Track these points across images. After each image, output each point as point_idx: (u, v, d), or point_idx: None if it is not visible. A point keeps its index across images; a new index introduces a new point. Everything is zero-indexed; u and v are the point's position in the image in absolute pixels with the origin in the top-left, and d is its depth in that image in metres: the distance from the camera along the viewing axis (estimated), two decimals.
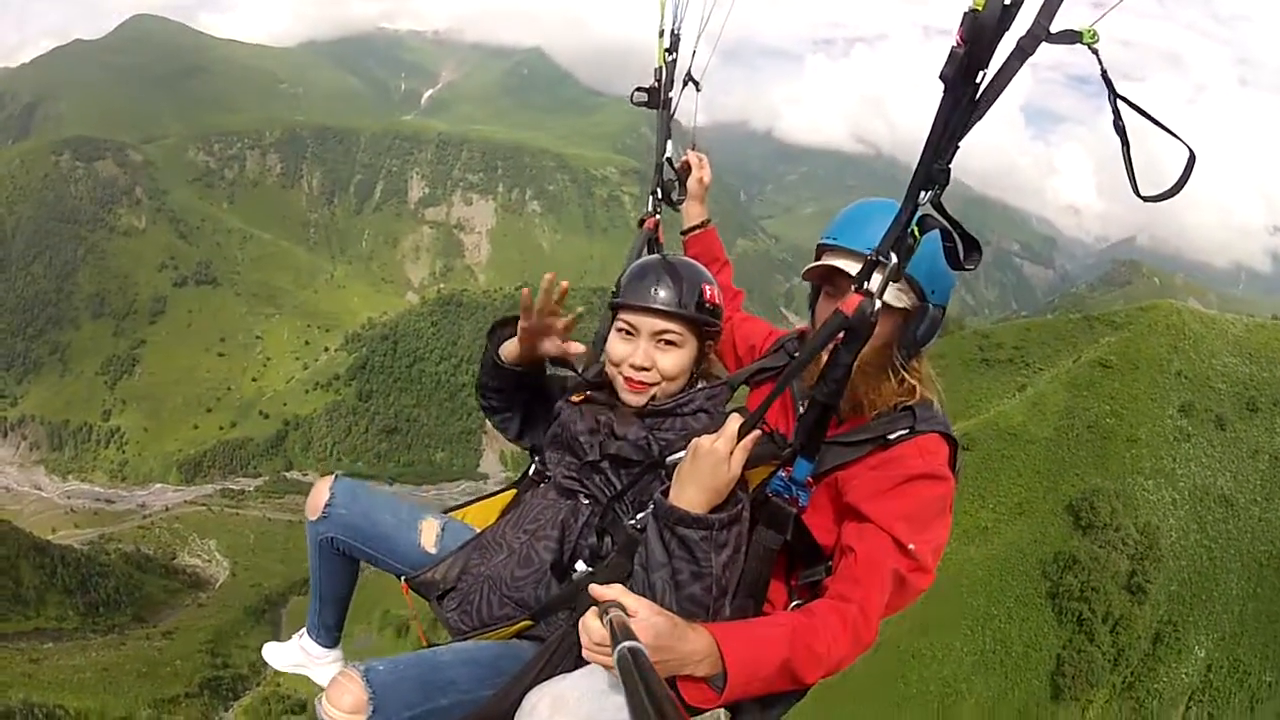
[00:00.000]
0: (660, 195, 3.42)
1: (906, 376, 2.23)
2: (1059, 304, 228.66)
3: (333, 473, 2.93)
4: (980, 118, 1.55)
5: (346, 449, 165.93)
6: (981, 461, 47.19)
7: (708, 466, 1.89)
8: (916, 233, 1.75)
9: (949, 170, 1.62)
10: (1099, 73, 1.55)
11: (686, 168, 3.43)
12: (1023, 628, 41.72)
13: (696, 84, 3.40)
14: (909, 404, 2.21)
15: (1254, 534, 45.40)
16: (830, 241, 2.32)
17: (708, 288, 2.40)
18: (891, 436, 2.15)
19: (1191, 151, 1.61)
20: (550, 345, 2.48)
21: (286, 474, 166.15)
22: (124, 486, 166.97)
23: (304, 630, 3.09)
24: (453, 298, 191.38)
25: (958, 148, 1.59)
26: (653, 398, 2.39)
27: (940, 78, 1.52)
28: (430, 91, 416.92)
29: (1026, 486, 46.57)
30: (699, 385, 2.46)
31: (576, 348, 2.50)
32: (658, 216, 3.38)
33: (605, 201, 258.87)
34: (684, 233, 3.49)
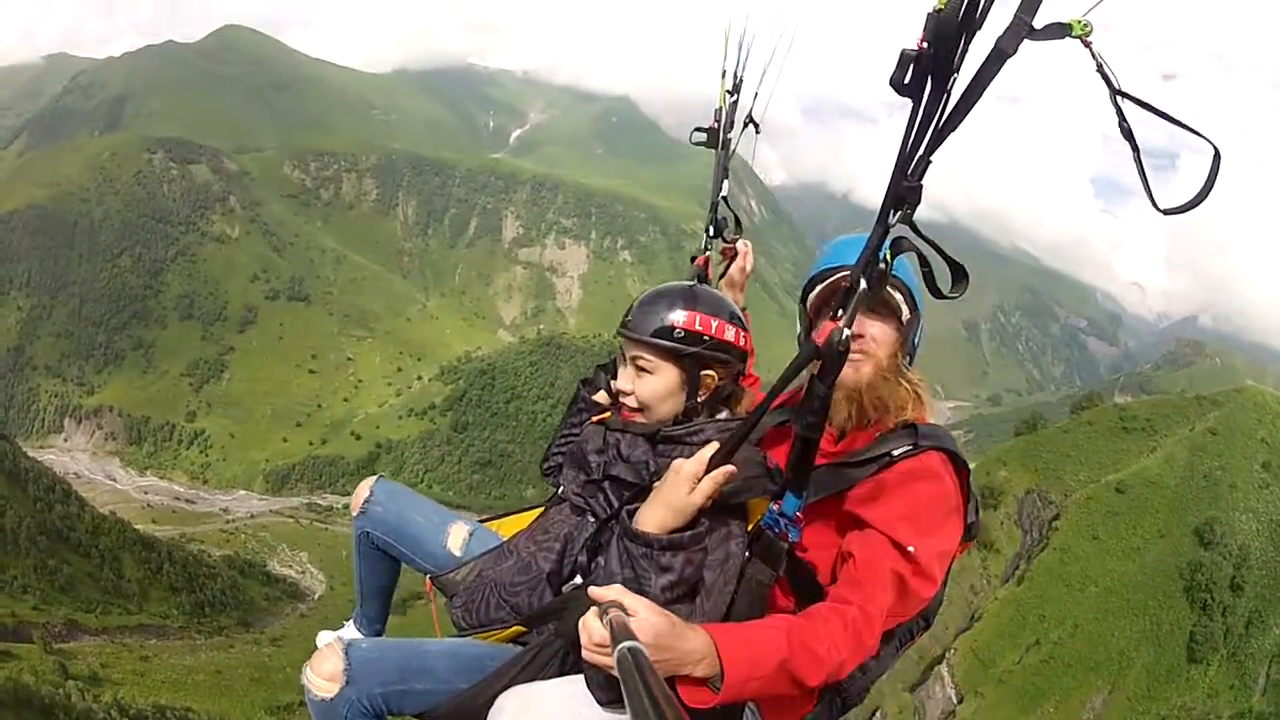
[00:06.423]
0: (714, 232, 3.48)
1: (911, 384, 2.25)
2: (1124, 382, 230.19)
3: (377, 474, 3.13)
4: (954, 129, 1.42)
5: (438, 477, 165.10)
6: (1133, 502, 65.35)
7: (672, 486, 1.90)
8: (889, 257, 1.68)
9: (920, 188, 1.52)
10: (1095, 68, 1.38)
11: (733, 253, 3.40)
12: (1168, 613, 58.34)
13: (756, 126, 3.44)
14: (911, 421, 2.19)
15: None
16: (812, 275, 2.36)
17: (683, 314, 2.29)
18: (896, 453, 2.11)
19: (1216, 149, 1.43)
20: None
21: None
22: (205, 489, 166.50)
23: (350, 622, 3.33)
24: (552, 339, 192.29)
25: (930, 163, 1.48)
26: (657, 425, 2.37)
27: (891, 84, 1.39)
28: (519, 131, 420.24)
29: (1164, 519, 63.82)
30: (721, 415, 2.41)
31: None
32: (708, 254, 3.45)
33: (693, 257, 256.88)
34: None
